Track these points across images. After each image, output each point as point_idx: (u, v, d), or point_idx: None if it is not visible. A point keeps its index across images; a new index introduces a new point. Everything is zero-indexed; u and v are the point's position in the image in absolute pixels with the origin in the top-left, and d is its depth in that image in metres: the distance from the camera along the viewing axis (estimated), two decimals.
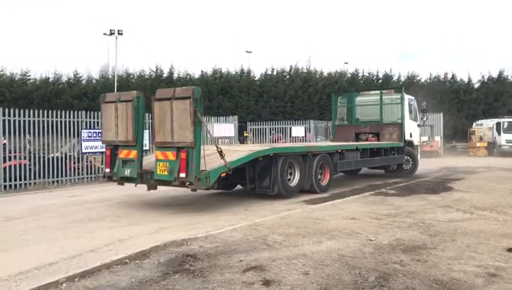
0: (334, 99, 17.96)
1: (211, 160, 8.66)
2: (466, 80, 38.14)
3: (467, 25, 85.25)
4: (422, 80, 38.15)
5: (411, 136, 16.70)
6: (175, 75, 37.98)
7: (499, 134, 29.22)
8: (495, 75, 38.09)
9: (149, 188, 9.63)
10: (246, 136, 28.29)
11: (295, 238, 6.48)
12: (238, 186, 11.89)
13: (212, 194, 11.80)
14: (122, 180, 9.88)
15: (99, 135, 15.47)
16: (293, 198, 10.78)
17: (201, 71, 37.56)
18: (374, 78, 38.16)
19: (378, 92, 16.97)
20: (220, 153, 8.77)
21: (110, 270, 5.03)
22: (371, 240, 6.37)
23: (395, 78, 38.29)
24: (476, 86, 38.17)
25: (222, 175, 9.02)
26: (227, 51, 78.06)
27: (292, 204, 9.93)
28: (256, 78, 37.69)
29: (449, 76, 38.14)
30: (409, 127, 16.46)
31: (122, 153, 9.67)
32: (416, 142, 17.35)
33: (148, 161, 9.91)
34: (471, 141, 30.53)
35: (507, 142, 28.78)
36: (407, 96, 16.50)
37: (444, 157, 27.86)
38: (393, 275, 4.83)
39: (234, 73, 37.56)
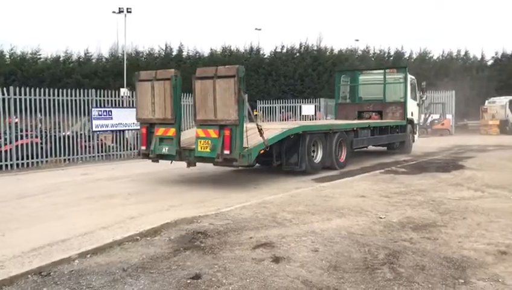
0: (338, 77, 18.06)
1: (248, 137, 8.80)
2: (479, 57, 37.59)
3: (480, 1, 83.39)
4: (435, 58, 37.67)
5: (412, 114, 17.03)
6: (184, 54, 37.95)
7: None
8: (509, 52, 37.48)
9: (188, 165, 9.83)
10: (256, 114, 28.28)
11: (304, 215, 6.49)
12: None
13: (221, 172, 11.84)
14: (159, 157, 9.97)
15: (110, 113, 15.60)
16: (303, 176, 10.79)
17: (211, 49, 37.61)
18: (386, 55, 37.80)
19: (382, 71, 17.19)
20: (260, 130, 8.92)
21: (121, 247, 5.09)
22: (381, 217, 6.36)
23: (406, 55, 37.86)
24: (489, 63, 37.59)
25: (260, 152, 9.22)
26: (236, 29, 77.45)
27: (301, 182, 9.94)
28: (265, 56, 37.47)
29: (462, 53, 37.57)
30: (410, 106, 16.71)
31: (159, 131, 9.73)
32: (416, 121, 17.76)
33: (185, 137, 10.00)
34: (483, 118, 30.19)
35: None
36: (410, 76, 16.67)
37: (456, 135, 27.65)
38: (403, 252, 4.83)
39: (243, 51, 37.41)
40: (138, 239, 5.37)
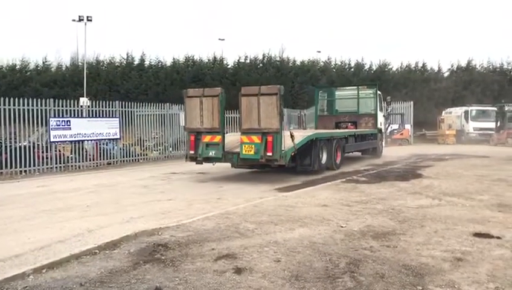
0: (316, 93, 20.29)
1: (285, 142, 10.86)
2: (436, 69, 38.89)
3: (437, 14, 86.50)
4: (394, 69, 38.65)
5: (380, 124, 19.46)
6: (146, 63, 37.50)
7: (467, 122, 29.94)
8: (464, 64, 38.96)
9: (233, 166, 12.47)
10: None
11: (267, 226, 6.49)
12: (211, 174, 11.79)
13: (184, 183, 11.75)
14: (205, 160, 11.81)
15: (68, 123, 15.25)
16: (267, 185, 10.84)
17: (173, 58, 37.28)
18: (346, 66, 38.49)
19: (355, 87, 19.84)
20: (292, 136, 11.08)
21: (79, 261, 4.94)
22: (342, 226, 6.44)
23: (366, 66, 38.68)
24: (446, 74, 38.94)
25: (292, 154, 11.27)
26: (199, 39, 77.32)
27: (265, 192, 9.96)
28: (229, 66, 37.52)
29: (420, 65, 38.77)
30: (379, 117, 19.24)
31: (206, 138, 11.51)
32: (383, 130, 20.28)
33: (226, 142, 11.75)
34: (440, 128, 31.21)
35: (475, 130, 29.53)
36: (378, 92, 19.16)
37: (414, 145, 28.41)
38: (364, 261, 4.89)
39: (207, 61, 37.32)
40: (97, 252, 5.23)
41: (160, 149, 19.73)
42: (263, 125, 10.63)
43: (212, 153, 11.43)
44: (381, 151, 19.49)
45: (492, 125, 28.55)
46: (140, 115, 18.70)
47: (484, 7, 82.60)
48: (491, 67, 39.05)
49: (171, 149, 20.03)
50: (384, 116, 20.31)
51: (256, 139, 10.75)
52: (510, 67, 38.93)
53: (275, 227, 6.41)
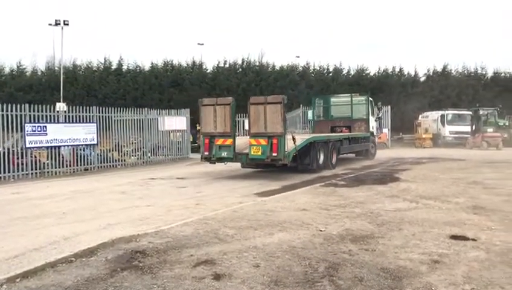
0: (313, 100, 22.53)
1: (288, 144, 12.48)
2: (413, 74, 39.42)
3: (414, 20, 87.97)
4: (371, 74, 39.04)
5: (372, 128, 21.03)
6: (124, 67, 37.10)
7: (443, 126, 30.44)
8: (440, 69, 39.62)
9: (243, 166, 14.97)
10: (199, 129, 28.03)
11: (247, 231, 6.47)
12: (190, 180, 11.71)
13: (162, 189, 11.65)
14: (218, 160, 13.47)
15: (45, 129, 15.00)
16: (247, 190, 10.83)
17: (152, 63, 36.95)
18: (325, 71, 38.72)
19: (349, 95, 21.61)
20: (293, 139, 12.71)
21: (54, 269, 4.84)
22: (321, 230, 6.46)
23: (345, 71, 39.01)
24: (422, 79, 39.51)
25: (294, 154, 12.95)
26: (178, 43, 77.03)
27: (245, 197, 9.93)
28: (208, 71, 37.39)
29: (397, 70, 39.26)
30: (371, 121, 20.80)
31: (219, 141, 13.16)
32: (375, 133, 21.83)
33: (236, 144, 13.25)
34: (417, 132, 31.65)
35: (451, 134, 30.03)
36: (369, 98, 20.91)
37: (392, 149, 28.74)
38: (342, 264, 4.91)
39: (186, 65, 37.13)
40: (73, 260, 5.13)
41: (138, 154, 19.54)
42: (269, 129, 12.35)
43: (224, 154, 13.07)
44: (374, 153, 21.02)
45: (467, 129, 29.08)
46: (118, 120, 18.49)
47: (458, 13, 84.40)
48: (466, 72, 39.78)
49: (149, 154, 19.86)
50: (375, 120, 21.89)
51: (263, 141, 12.45)
52: (484, 72, 39.78)
53: (254, 232, 6.40)
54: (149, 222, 7.38)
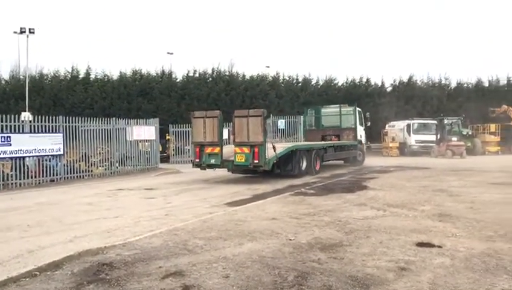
0: (305, 111, 24.54)
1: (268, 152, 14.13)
2: (379, 84, 40.24)
3: (381, 32, 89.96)
4: (340, 84, 39.64)
5: (360, 137, 22.71)
6: (92, 76, 36.48)
7: (409, 135, 31.10)
8: (405, 79, 40.61)
9: (229, 170, 15.73)
10: (168, 139, 27.80)
11: (216, 241, 6.44)
12: (160, 190, 11.57)
13: (131, 199, 11.48)
14: (208, 166, 14.97)
15: (8, 139, 14.60)
16: (217, 200, 10.78)
17: (120, 72, 36.43)
18: (294, 81, 39.06)
19: (338, 106, 23.03)
20: (274, 148, 14.45)
21: (17, 284, 4.71)
22: (291, 239, 6.49)
23: (313, 81, 39.45)
24: (389, 89, 40.36)
25: (274, 161, 14.44)
26: (148, 52, 76.36)
27: (215, 207, 9.89)
28: (177, 80, 37.17)
29: (364, 80, 39.98)
30: (359, 130, 22.51)
31: (208, 149, 14.68)
32: (363, 141, 23.58)
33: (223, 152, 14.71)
34: (384, 141, 32.24)
35: (416, 143, 30.73)
36: (357, 109, 22.52)
37: None
38: (311, 273, 4.95)
39: (155, 74, 36.80)
40: (37, 274, 5.00)
41: (106, 165, 19.19)
42: (251, 139, 13.83)
43: (213, 161, 14.62)
44: (362, 160, 22.58)
45: (433, 137, 29.81)
46: (85, 130, 18.15)
47: (423, 25, 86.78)
48: (430, 82, 40.91)
49: (117, 165, 19.53)
50: (364, 129, 23.59)
51: (246, 150, 13.93)
52: (448, 83, 41.02)
53: (224, 242, 6.38)
54: (117, 234, 7.25)
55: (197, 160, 15.02)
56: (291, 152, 15.54)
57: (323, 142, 20.21)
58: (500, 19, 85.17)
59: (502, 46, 75.76)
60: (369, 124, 24.41)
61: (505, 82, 41.77)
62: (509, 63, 78.01)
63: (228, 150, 15.03)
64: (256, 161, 13.81)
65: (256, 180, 15.28)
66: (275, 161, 14.43)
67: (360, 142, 22.61)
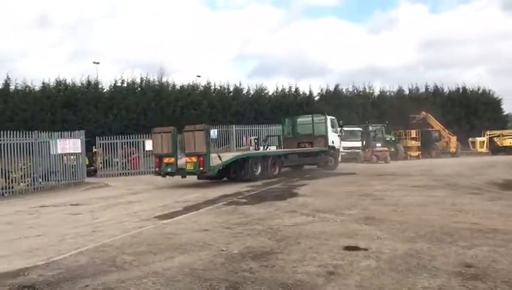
0: (283, 120, 26.20)
1: (214, 160, 16.39)
2: (308, 93, 41.44)
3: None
4: (270, 94, 40.32)
5: (333, 143, 24.16)
6: (12, 87, 34.48)
7: None
8: (332, 88, 42.18)
9: (182, 177, 17.36)
10: (96, 151, 26.80)
11: (146, 256, 6.29)
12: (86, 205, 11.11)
13: (55, 216, 10.94)
14: (166, 174, 17.17)
15: None
16: (147, 214, 10.51)
17: (43, 83, 34.72)
18: (226, 90, 39.20)
19: (311, 115, 24.92)
20: (219, 157, 16.79)
21: None
22: (223, 250, 6.48)
23: (244, 91, 39.82)
24: (316, 98, 41.66)
25: (220, 168, 16.83)
26: (72, 62, 73.57)
27: (144, 221, 9.63)
28: (104, 90, 36.04)
29: (293, 90, 40.98)
30: (331, 137, 23.93)
31: (165, 160, 16.99)
32: (337, 147, 25.03)
33: (180, 162, 17.02)
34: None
35: (344, 149, 31.83)
36: (329, 117, 24.18)
37: None
38: (243, 283, 4.96)
39: (80, 85, 35.44)
40: None
41: (28, 181, 18.15)
42: (197, 150, 16.16)
43: (169, 169, 16.93)
44: (334, 164, 24.01)
45: (359, 144, 31.06)
46: (4, 144, 17.08)
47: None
48: (355, 91, 42.81)
49: (40, 180, 18.54)
50: (339, 136, 25.19)
51: (194, 159, 16.27)
52: (372, 91, 43.14)
53: (154, 257, 6.24)
54: (39, 253, 6.86)
55: (157, 169, 17.36)
56: (243, 159, 17.90)
57: (281, 150, 22.64)
58: None
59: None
60: (342, 131, 26.06)
61: (424, 90, 44.66)
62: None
63: (183, 160, 17.10)
64: (201, 168, 16.06)
65: (188, 191, 15.12)
66: (221, 168, 16.83)
67: (333, 148, 24.22)
